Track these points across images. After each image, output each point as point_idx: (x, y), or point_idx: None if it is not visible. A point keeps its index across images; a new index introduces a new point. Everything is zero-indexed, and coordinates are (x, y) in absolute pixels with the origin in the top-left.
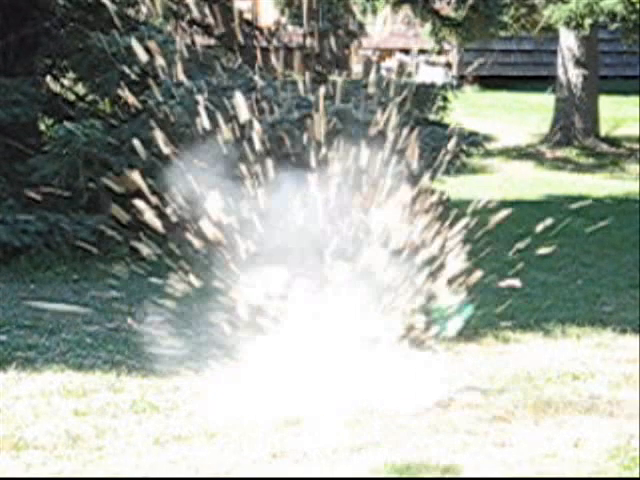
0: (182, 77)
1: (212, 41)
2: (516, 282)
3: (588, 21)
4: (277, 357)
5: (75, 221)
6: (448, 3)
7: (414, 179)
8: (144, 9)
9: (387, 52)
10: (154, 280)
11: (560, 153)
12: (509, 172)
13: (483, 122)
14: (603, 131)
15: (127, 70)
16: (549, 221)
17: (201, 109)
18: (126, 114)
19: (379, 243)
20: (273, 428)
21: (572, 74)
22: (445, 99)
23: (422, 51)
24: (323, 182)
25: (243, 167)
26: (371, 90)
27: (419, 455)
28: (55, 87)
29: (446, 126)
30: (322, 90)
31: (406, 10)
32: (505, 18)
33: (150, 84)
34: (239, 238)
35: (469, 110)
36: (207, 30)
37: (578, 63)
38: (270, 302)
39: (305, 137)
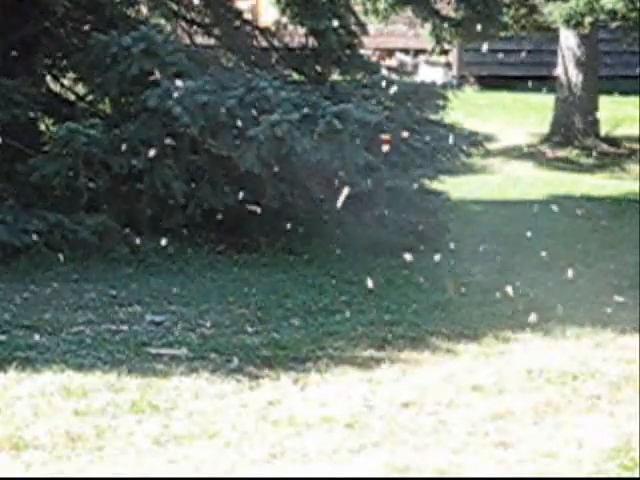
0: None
1: (212, 41)
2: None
3: (588, 19)
4: None
5: (75, 221)
6: (448, 3)
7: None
8: (144, 9)
9: (387, 52)
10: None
11: (560, 153)
12: (509, 172)
13: (483, 122)
14: (603, 131)
15: (127, 70)
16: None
17: None
18: (126, 114)
19: None
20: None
21: (572, 74)
22: (445, 99)
23: (422, 51)
24: None
25: None
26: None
27: (419, 455)
28: (55, 87)
29: (446, 126)
30: None
31: (407, 10)
32: (505, 18)
33: (150, 84)
34: None
35: (469, 110)
36: (207, 30)
37: (578, 63)
38: None
39: None
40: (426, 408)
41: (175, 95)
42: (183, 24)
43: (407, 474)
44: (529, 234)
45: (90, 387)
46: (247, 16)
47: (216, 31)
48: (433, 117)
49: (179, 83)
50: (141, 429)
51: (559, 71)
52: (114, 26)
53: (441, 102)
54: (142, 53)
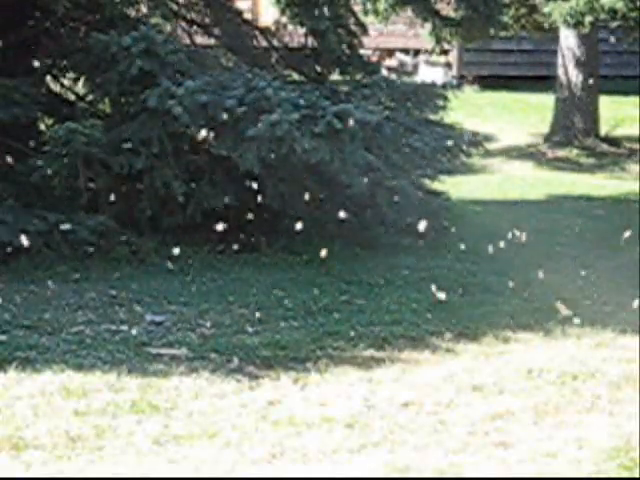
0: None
1: (212, 41)
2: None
3: (588, 19)
4: None
5: (75, 221)
6: (448, 3)
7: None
8: (144, 9)
9: (387, 52)
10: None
11: (560, 153)
12: (509, 172)
13: (483, 122)
14: (603, 131)
15: (127, 70)
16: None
17: None
18: (126, 114)
19: None
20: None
21: (572, 74)
22: (445, 99)
23: (422, 51)
24: None
25: None
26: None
27: (419, 455)
28: (55, 87)
29: (446, 126)
30: None
31: (407, 10)
32: (505, 18)
33: (150, 84)
34: None
35: (469, 110)
36: (207, 30)
37: (578, 63)
38: None
39: None
40: (426, 408)
41: (175, 95)
42: (183, 24)
43: (407, 474)
44: (529, 234)
45: (90, 387)
46: (247, 16)
47: (216, 31)
48: (433, 117)
49: (179, 83)
50: (141, 429)
51: (559, 71)
52: (114, 26)
53: (441, 102)
54: (142, 53)
